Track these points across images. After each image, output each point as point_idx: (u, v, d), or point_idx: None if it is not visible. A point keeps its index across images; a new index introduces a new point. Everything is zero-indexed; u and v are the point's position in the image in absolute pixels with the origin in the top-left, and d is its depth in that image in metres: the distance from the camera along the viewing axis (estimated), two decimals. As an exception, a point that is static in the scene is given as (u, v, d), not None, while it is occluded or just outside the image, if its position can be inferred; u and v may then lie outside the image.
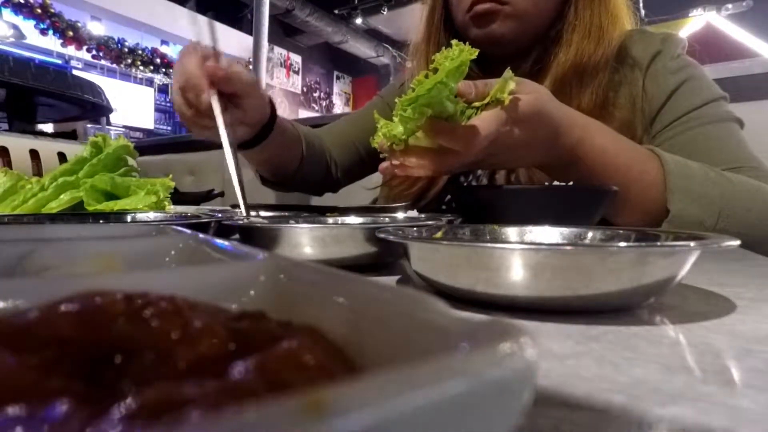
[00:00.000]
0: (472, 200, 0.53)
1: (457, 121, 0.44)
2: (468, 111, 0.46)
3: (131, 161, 0.65)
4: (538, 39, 0.72)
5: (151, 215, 0.48)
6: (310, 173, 0.87)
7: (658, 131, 0.67)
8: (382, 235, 0.30)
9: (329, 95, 9.02)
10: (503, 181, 0.73)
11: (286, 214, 0.59)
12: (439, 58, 0.42)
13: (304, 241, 0.36)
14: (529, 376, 0.07)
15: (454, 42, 0.42)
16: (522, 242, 0.35)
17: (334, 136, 0.93)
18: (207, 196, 1.27)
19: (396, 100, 0.44)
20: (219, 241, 0.20)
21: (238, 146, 0.68)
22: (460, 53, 0.40)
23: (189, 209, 0.75)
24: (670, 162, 0.54)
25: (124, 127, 7.57)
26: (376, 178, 0.95)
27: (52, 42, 6.06)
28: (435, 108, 0.42)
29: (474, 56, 0.41)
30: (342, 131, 0.95)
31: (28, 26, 5.69)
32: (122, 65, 6.68)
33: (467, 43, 0.42)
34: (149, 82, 8.02)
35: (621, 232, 0.33)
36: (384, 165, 0.49)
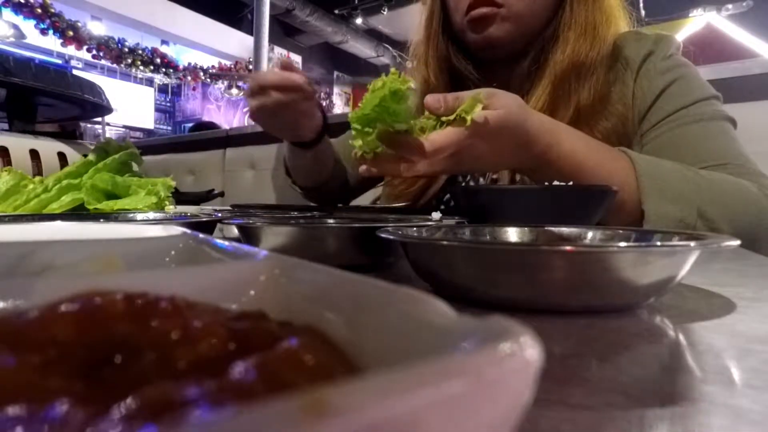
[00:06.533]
0: (472, 201, 0.53)
1: (415, 134, 0.49)
2: (431, 123, 0.50)
3: (135, 167, 0.65)
4: (534, 39, 0.73)
5: (151, 215, 0.48)
6: (336, 182, 0.94)
7: (646, 130, 0.67)
8: (382, 235, 0.30)
9: (329, 95, 9.02)
10: (506, 180, 0.73)
11: (287, 214, 0.59)
12: (370, 86, 0.47)
13: (304, 240, 0.36)
14: (529, 376, 0.07)
15: (392, 70, 0.47)
16: (522, 242, 0.35)
17: (343, 149, 0.96)
18: (207, 196, 1.27)
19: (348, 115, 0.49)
20: (219, 241, 0.20)
21: (299, 145, 0.81)
22: (383, 85, 0.45)
23: (189, 209, 0.74)
24: (641, 162, 0.55)
25: (124, 126, 7.58)
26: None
27: (52, 42, 6.06)
28: (385, 125, 0.47)
29: (408, 84, 0.46)
30: (349, 144, 0.97)
31: (28, 26, 5.68)
32: (122, 65, 6.67)
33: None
34: (149, 82, 8.01)
35: (621, 232, 0.33)
36: (362, 168, 0.53)
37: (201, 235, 0.22)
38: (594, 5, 0.69)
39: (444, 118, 0.50)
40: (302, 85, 0.67)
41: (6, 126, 1.30)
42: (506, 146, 0.52)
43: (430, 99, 0.50)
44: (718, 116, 0.64)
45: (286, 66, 0.69)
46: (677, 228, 0.51)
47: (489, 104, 0.49)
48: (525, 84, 0.73)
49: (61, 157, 1.10)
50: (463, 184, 0.79)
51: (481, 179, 0.77)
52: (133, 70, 6.96)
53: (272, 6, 5.71)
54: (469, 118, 0.47)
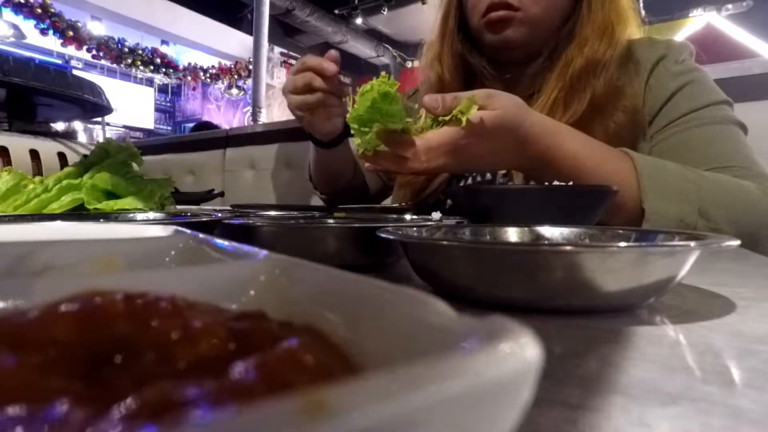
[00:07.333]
0: (472, 201, 0.53)
1: (413, 133, 0.51)
2: (428, 123, 0.53)
3: (135, 167, 0.65)
4: (549, 39, 0.74)
5: (151, 215, 0.48)
6: (356, 187, 0.98)
7: (655, 132, 0.68)
8: (382, 235, 0.30)
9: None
10: (521, 179, 0.73)
11: (287, 214, 0.59)
12: (360, 89, 0.50)
13: (305, 240, 0.36)
14: (529, 376, 0.07)
15: (382, 74, 0.50)
16: (522, 242, 0.35)
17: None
18: (207, 196, 1.27)
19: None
20: (219, 241, 0.20)
21: (319, 143, 0.86)
22: (372, 88, 0.48)
23: (189, 209, 0.74)
24: (642, 162, 0.55)
25: (124, 126, 7.58)
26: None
27: (52, 42, 6.06)
28: (381, 124, 0.50)
29: (395, 87, 0.48)
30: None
31: (28, 26, 5.68)
32: (122, 65, 6.67)
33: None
34: (149, 82, 8.02)
35: (621, 232, 0.33)
36: (367, 165, 0.56)
37: (201, 235, 0.22)
38: (610, 6, 0.71)
39: (441, 118, 0.51)
40: (330, 73, 0.71)
41: (6, 126, 1.30)
42: (503, 146, 0.52)
43: (428, 99, 0.52)
44: (728, 120, 0.65)
45: (330, 57, 0.73)
46: (678, 228, 0.52)
47: (486, 105, 0.50)
48: (537, 80, 0.74)
49: (61, 157, 1.10)
50: (470, 180, 0.79)
51: (489, 175, 0.78)
52: (133, 70, 6.96)
53: (272, 6, 5.70)
54: (464, 118, 0.48)
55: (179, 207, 0.73)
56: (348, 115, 0.51)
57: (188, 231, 0.23)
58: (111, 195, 0.60)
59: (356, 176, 0.97)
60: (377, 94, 0.48)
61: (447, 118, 0.51)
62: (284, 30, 7.74)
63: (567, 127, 0.57)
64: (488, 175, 0.78)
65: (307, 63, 0.73)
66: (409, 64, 7.75)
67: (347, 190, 0.97)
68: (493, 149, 0.52)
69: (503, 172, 0.75)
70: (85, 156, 0.66)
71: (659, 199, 0.53)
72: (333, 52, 0.74)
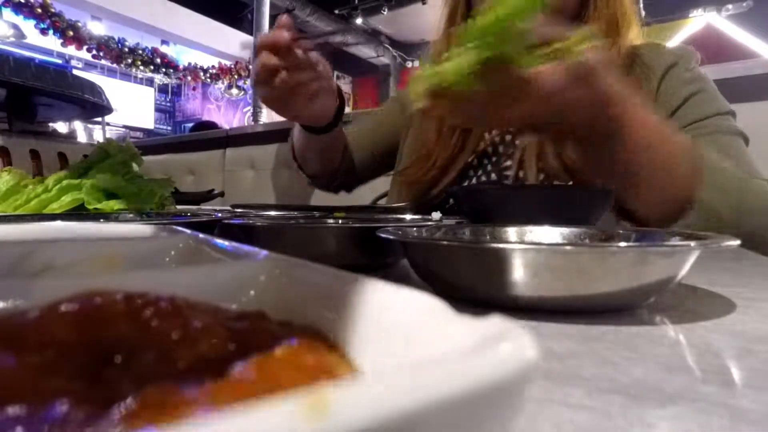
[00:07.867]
0: (472, 201, 0.53)
1: (518, 65, 0.39)
2: (530, 58, 0.40)
3: (135, 167, 0.65)
4: None
5: (151, 215, 0.48)
6: (342, 171, 0.95)
7: None
8: (382, 235, 0.30)
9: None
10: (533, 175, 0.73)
11: (287, 214, 0.59)
12: None
13: (305, 241, 0.36)
14: (529, 376, 0.07)
15: None
16: (522, 242, 0.35)
17: (354, 137, 0.97)
18: (207, 196, 1.27)
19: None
20: (219, 241, 0.20)
21: (314, 130, 0.80)
22: None
23: (189, 209, 0.75)
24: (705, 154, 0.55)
25: (124, 126, 7.58)
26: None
27: (52, 42, 6.06)
28: (500, 46, 0.37)
29: None
30: (360, 132, 1.00)
31: (28, 26, 5.68)
32: (122, 65, 6.67)
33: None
34: (149, 82, 8.01)
35: (621, 232, 0.34)
36: (422, 104, 0.42)
37: (201, 235, 0.22)
38: (615, 5, 0.72)
39: (542, 53, 0.40)
40: (282, 42, 0.60)
41: (6, 126, 1.30)
42: (592, 99, 0.44)
43: (542, 26, 0.40)
44: (732, 131, 0.66)
45: (281, 23, 0.62)
46: (709, 224, 0.52)
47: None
48: None
49: (61, 157, 1.10)
50: (467, 183, 0.79)
51: (493, 175, 0.77)
52: (133, 70, 6.96)
53: (272, 6, 5.71)
54: (577, 50, 0.40)
55: (179, 207, 0.73)
56: (467, 31, 0.38)
57: (188, 231, 0.23)
58: (111, 195, 0.60)
59: (345, 158, 0.93)
60: (516, 7, 0.36)
61: (552, 48, 0.40)
62: (284, 30, 7.73)
63: (639, 96, 0.51)
64: (493, 176, 0.77)
65: (260, 43, 0.61)
66: (409, 64, 7.74)
67: (335, 172, 0.94)
68: (582, 99, 0.44)
69: (513, 173, 0.75)
70: (85, 156, 0.66)
71: (709, 190, 0.53)
72: (284, 17, 0.62)
